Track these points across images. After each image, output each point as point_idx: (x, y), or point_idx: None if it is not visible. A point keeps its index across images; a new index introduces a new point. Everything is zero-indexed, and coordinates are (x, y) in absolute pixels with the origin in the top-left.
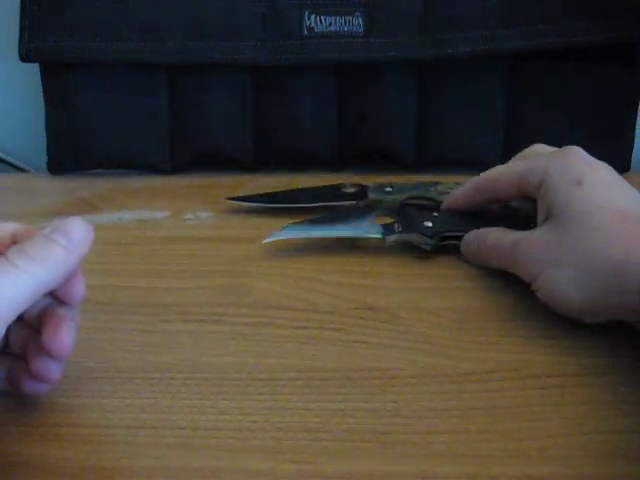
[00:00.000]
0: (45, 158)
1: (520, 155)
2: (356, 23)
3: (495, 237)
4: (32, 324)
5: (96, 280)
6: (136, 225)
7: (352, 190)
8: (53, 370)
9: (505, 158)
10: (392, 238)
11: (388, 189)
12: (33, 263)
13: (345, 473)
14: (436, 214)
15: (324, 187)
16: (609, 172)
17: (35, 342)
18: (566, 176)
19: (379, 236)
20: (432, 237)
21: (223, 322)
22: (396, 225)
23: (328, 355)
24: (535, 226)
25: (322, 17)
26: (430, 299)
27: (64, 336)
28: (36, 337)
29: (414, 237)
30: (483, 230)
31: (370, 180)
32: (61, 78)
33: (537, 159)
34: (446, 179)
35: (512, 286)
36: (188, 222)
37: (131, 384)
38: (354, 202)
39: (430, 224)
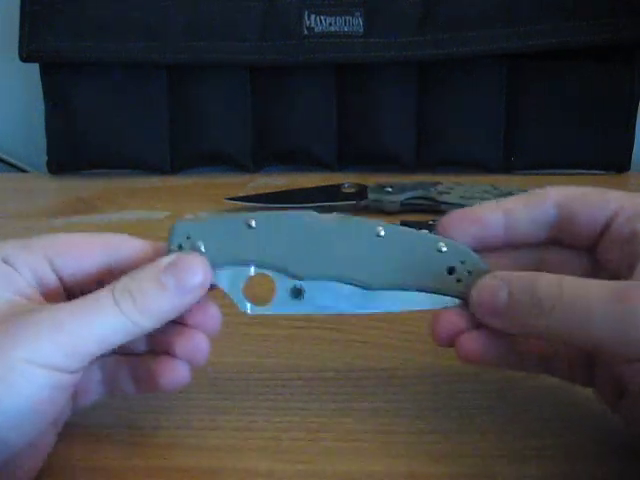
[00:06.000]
0: (45, 158)
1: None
2: (356, 23)
3: (560, 283)
4: None
5: None
6: (136, 225)
7: (352, 190)
8: (203, 344)
9: (505, 158)
10: None
11: (388, 189)
12: (135, 310)
13: (345, 473)
14: (432, 221)
15: (324, 187)
16: None
17: (166, 327)
18: None
19: None
20: None
21: (223, 322)
22: None
23: (328, 355)
24: None
25: (322, 17)
26: None
27: (213, 309)
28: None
29: None
30: (523, 273)
31: (370, 180)
32: (61, 78)
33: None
34: (446, 179)
35: None
36: None
37: None
38: (354, 202)
39: (426, 231)
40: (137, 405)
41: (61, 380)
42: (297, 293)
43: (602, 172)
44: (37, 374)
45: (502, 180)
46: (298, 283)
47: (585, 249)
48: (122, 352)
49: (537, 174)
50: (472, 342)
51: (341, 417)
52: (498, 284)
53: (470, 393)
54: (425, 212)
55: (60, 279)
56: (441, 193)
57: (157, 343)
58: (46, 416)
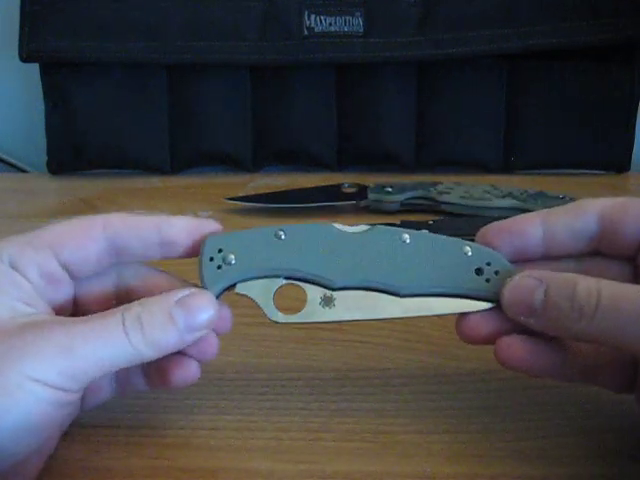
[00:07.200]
0: (45, 158)
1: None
2: (356, 23)
3: (599, 287)
4: None
5: None
6: None
7: (352, 190)
8: (212, 342)
9: (505, 158)
10: None
11: (388, 189)
12: (143, 341)
13: (345, 473)
14: (432, 222)
15: (324, 187)
16: None
17: None
18: None
19: None
20: None
21: None
22: None
23: (328, 355)
24: None
25: (322, 17)
26: None
27: (225, 310)
28: None
29: None
30: (560, 274)
31: (370, 180)
32: (61, 78)
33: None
34: (446, 179)
35: None
36: None
37: None
38: (354, 202)
39: (426, 232)
40: (137, 405)
41: (64, 398)
42: (328, 301)
43: (602, 172)
44: (42, 392)
45: (502, 180)
46: (329, 292)
47: (625, 258)
48: None
49: (537, 174)
50: (517, 347)
51: (341, 417)
52: (533, 283)
53: (470, 393)
54: (425, 212)
55: (66, 269)
56: (441, 193)
57: None
58: (50, 427)
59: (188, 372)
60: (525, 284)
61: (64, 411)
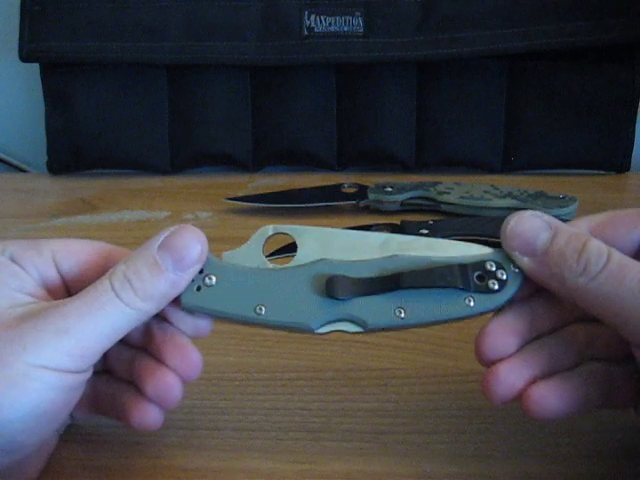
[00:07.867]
0: (45, 158)
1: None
2: (356, 23)
3: (610, 251)
4: (136, 344)
5: None
6: (136, 225)
7: (352, 190)
8: (174, 389)
9: (505, 158)
10: None
11: (388, 189)
12: (137, 298)
13: (345, 473)
14: (432, 222)
15: (324, 187)
16: None
17: (145, 362)
18: None
19: None
20: None
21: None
22: None
23: (328, 355)
24: None
25: (322, 17)
26: None
27: (193, 355)
28: (143, 357)
29: None
30: (572, 228)
31: (370, 180)
32: (61, 78)
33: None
34: (446, 179)
35: None
36: (188, 222)
37: None
38: (354, 202)
39: (426, 231)
40: None
41: (72, 381)
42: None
43: (602, 172)
44: (49, 377)
45: (502, 180)
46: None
47: None
48: (109, 370)
49: (537, 174)
50: (551, 399)
51: (341, 417)
52: (542, 224)
53: (470, 393)
54: (425, 212)
55: (64, 281)
56: (441, 193)
57: (135, 376)
58: (59, 417)
59: (147, 417)
60: (533, 222)
61: (71, 396)
